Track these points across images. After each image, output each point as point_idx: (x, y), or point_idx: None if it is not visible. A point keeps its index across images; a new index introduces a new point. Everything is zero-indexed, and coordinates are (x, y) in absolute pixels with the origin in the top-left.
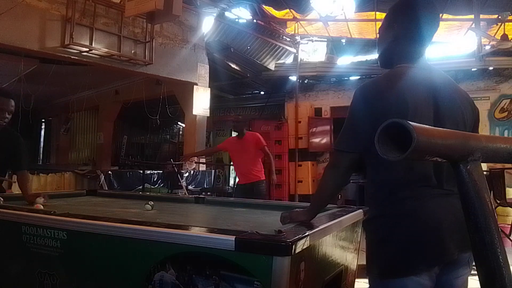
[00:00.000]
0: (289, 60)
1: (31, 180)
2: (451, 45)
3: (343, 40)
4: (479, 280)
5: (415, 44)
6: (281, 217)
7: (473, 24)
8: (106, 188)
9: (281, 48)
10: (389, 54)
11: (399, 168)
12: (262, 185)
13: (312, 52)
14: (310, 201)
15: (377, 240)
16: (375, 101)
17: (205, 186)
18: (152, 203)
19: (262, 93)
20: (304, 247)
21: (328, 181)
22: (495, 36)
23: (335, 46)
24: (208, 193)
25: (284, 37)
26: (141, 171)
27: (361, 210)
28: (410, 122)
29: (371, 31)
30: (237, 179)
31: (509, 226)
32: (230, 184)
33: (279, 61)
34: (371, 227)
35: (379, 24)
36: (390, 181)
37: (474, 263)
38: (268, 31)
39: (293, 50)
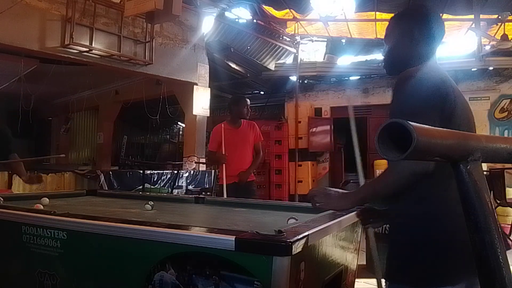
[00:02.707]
0: (289, 60)
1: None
2: (451, 45)
3: (343, 40)
4: (479, 281)
5: (431, 46)
6: (310, 197)
7: (473, 24)
8: (106, 188)
9: (281, 48)
10: (405, 58)
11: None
12: (255, 186)
13: (313, 52)
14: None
15: (412, 243)
16: (440, 95)
17: (205, 186)
18: (152, 203)
19: (262, 93)
20: (304, 247)
21: (405, 166)
22: (495, 36)
23: (335, 46)
24: (208, 193)
25: (284, 37)
26: (141, 171)
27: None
28: (410, 122)
29: (371, 31)
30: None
31: (509, 226)
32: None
33: (279, 61)
34: (405, 227)
35: (379, 24)
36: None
37: None
38: (268, 31)
39: (293, 50)
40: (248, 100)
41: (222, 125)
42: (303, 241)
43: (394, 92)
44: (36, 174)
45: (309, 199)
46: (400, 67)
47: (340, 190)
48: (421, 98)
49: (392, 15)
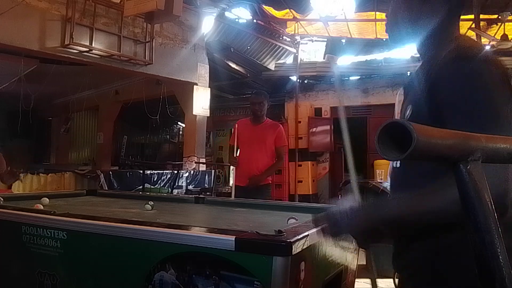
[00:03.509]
0: (289, 60)
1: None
2: None
3: (343, 40)
4: (479, 281)
5: (450, 9)
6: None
7: (473, 24)
8: (106, 188)
9: (281, 48)
10: (415, 24)
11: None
12: (269, 190)
13: (313, 52)
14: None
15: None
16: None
17: (205, 186)
18: (152, 203)
19: None
20: (304, 247)
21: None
22: (495, 36)
23: (335, 46)
24: (208, 193)
25: (284, 37)
26: (141, 171)
27: None
28: (410, 122)
29: (371, 31)
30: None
31: None
32: (230, 184)
33: (279, 61)
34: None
35: (379, 24)
36: None
37: None
38: (268, 31)
39: (293, 50)
40: (257, 97)
41: (242, 120)
42: (303, 241)
43: (452, 85)
44: (16, 171)
45: (315, 225)
46: (408, 35)
47: (353, 204)
48: (494, 93)
49: None
